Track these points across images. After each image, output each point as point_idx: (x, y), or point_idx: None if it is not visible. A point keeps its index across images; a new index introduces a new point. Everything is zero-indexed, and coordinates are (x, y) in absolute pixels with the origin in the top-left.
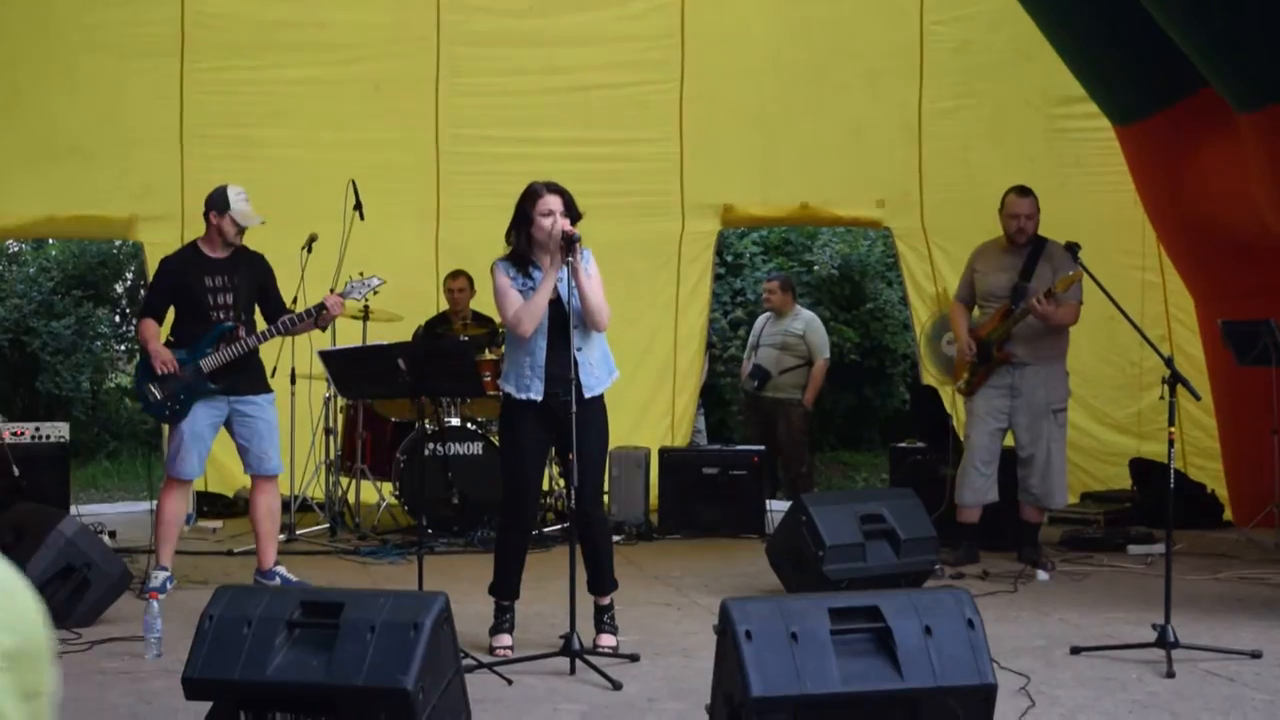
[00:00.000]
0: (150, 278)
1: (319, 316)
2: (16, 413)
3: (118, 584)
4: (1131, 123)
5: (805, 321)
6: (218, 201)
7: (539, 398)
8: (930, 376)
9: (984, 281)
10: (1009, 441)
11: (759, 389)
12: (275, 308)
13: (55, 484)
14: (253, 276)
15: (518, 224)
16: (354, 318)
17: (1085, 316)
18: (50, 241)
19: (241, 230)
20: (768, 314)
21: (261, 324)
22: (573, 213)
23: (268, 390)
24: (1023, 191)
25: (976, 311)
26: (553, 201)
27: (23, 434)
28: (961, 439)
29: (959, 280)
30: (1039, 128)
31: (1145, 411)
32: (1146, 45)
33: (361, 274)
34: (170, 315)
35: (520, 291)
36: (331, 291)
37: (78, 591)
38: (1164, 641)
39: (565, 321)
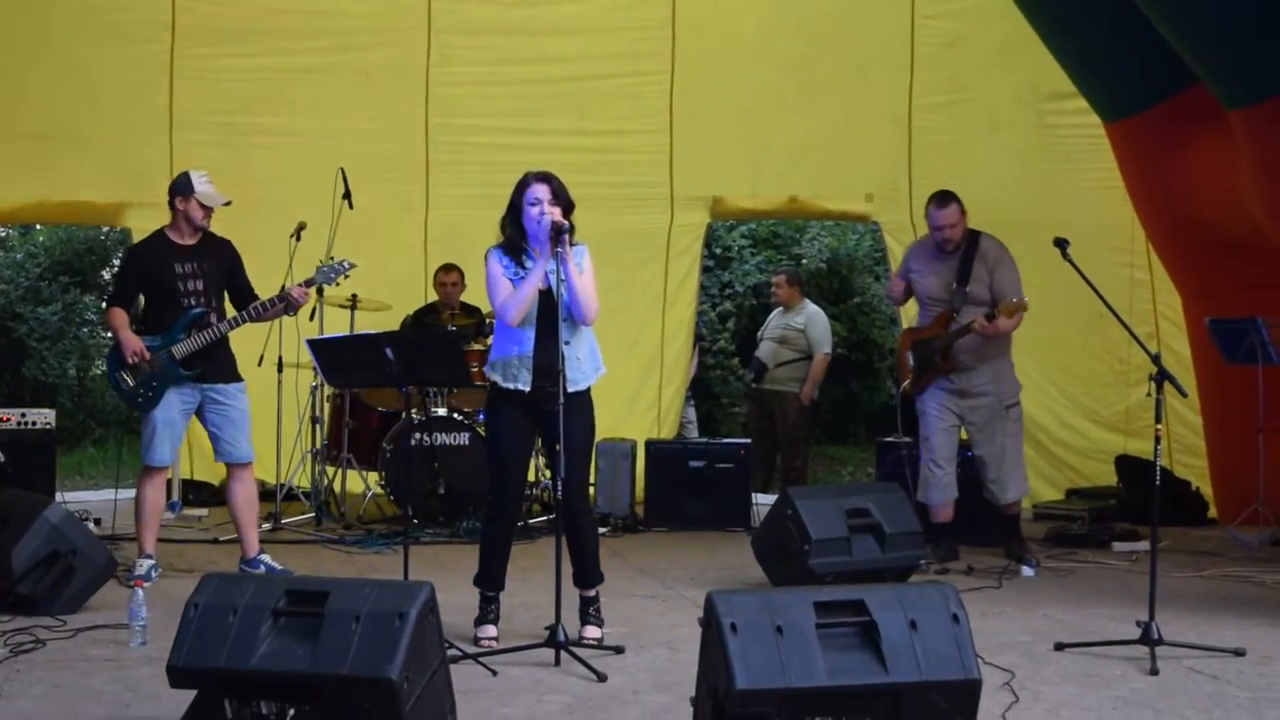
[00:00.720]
0: None
1: (288, 304)
2: (2, 399)
3: (103, 571)
4: (1121, 119)
5: (807, 316)
6: (182, 187)
7: (526, 388)
8: None
9: (920, 284)
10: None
11: (756, 381)
12: (243, 293)
13: (41, 470)
14: (221, 262)
15: (511, 213)
16: (341, 306)
17: (1075, 313)
18: (38, 227)
19: (208, 212)
20: (779, 307)
21: (231, 310)
22: (563, 202)
23: (239, 379)
24: (942, 201)
25: (914, 306)
26: (540, 190)
27: (8, 420)
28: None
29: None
30: (1029, 123)
31: (1133, 409)
32: (1139, 40)
33: (333, 257)
34: (140, 303)
35: (512, 280)
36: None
37: (63, 578)
38: (1148, 638)
39: (555, 313)
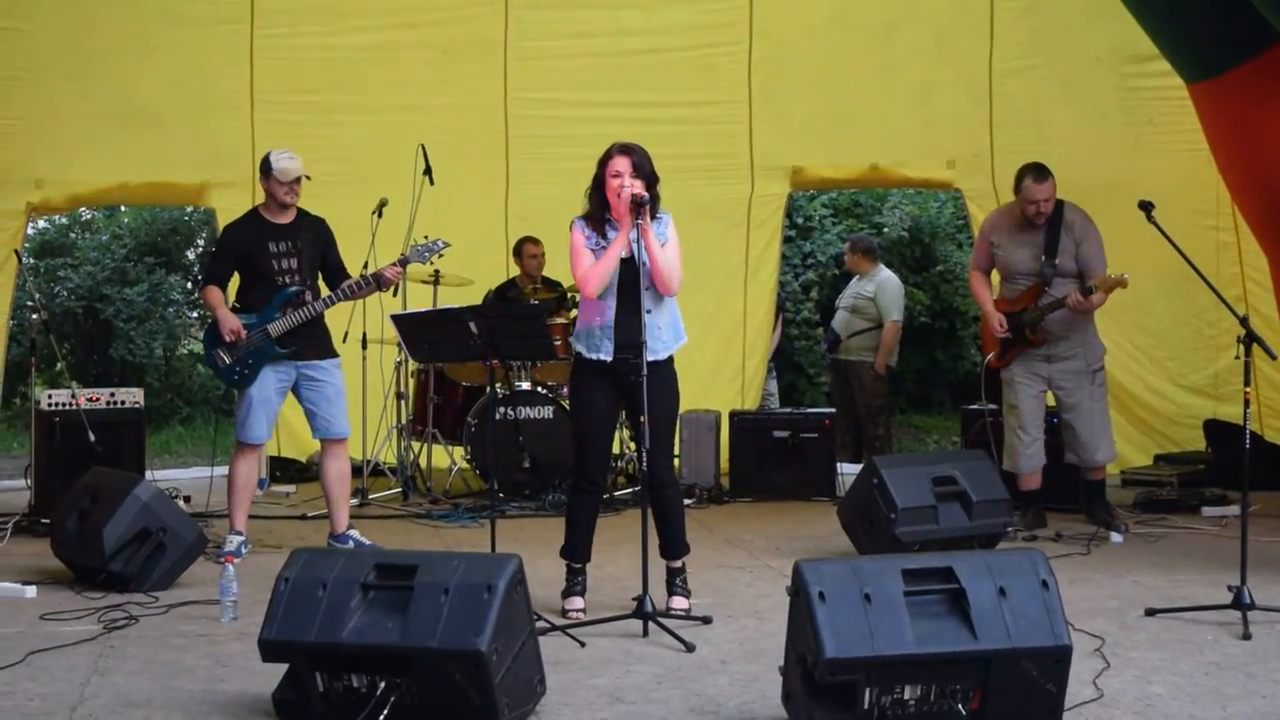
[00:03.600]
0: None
1: (380, 282)
2: (91, 379)
3: (193, 548)
4: (1204, 80)
5: (878, 283)
6: (263, 166)
7: (608, 359)
8: None
9: (1005, 258)
10: (1050, 401)
11: (831, 351)
12: (337, 272)
13: (130, 450)
14: (315, 240)
15: (595, 185)
16: (424, 282)
17: (1160, 277)
18: (122, 209)
19: (289, 187)
20: (857, 276)
21: (325, 289)
22: (645, 174)
23: (334, 355)
24: (1040, 175)
25: (1000, 281)
26: (620, 163)
27: (98, 400)
28: (1007, 407)
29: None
30: (1111, 86)
31: (1221, 373)
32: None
33: (426, 237)
34: (234, 282)
35: (594, 251)
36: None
37: (154, 555)
38: (1240, 603)
39: (636, 283)
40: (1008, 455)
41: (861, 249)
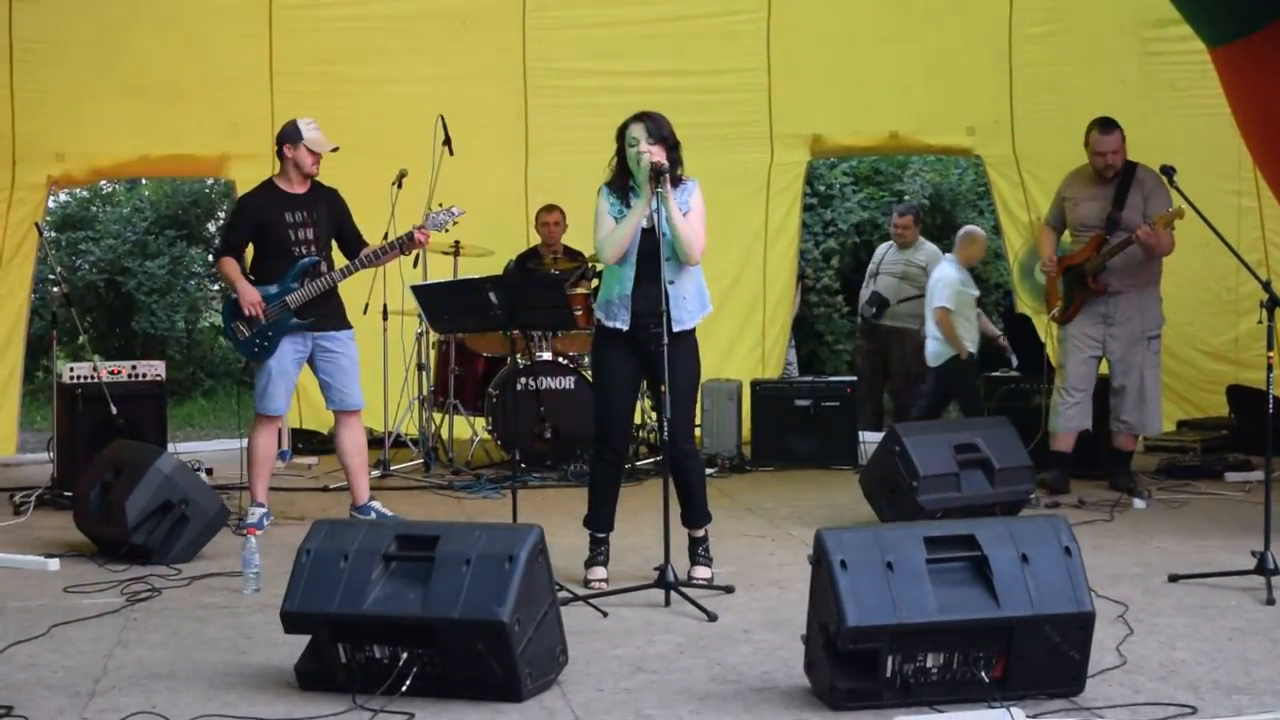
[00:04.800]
0: None
1: (405, 247)
2: (113, 352)
3: (215, 520)
4: (1226, 43)
5: (928, 255)
6: (290, 134)
7: (625, 327)
8: (1024, 305)
9: (1075, 211)
10: (1103, 369)
11: (876, 316)
12: (353, 242)
13: (152, 422)
14: (331, 210)
15: (617, 154)
16: (444, 253)
17: (1181, 242)
18: (143, 181)
19: (317, 159)
20: (889, 244)
21: (340, 259)
22: (664, 140)
23: (349, 326)
24: (1106, 127)
25: (1068, 237)
26: (636, 130)
27: (119, 373)
28: (1055, 366)
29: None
30: (1132, 51)
31: (1243, 338)
32: None
33: (441, 204)
34: (250, 252)
35: (615, 219)
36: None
37: (177, 527)
38: (1264, 568)
39: (657, 252)
40: (1050, 412)
41: (918, 219)
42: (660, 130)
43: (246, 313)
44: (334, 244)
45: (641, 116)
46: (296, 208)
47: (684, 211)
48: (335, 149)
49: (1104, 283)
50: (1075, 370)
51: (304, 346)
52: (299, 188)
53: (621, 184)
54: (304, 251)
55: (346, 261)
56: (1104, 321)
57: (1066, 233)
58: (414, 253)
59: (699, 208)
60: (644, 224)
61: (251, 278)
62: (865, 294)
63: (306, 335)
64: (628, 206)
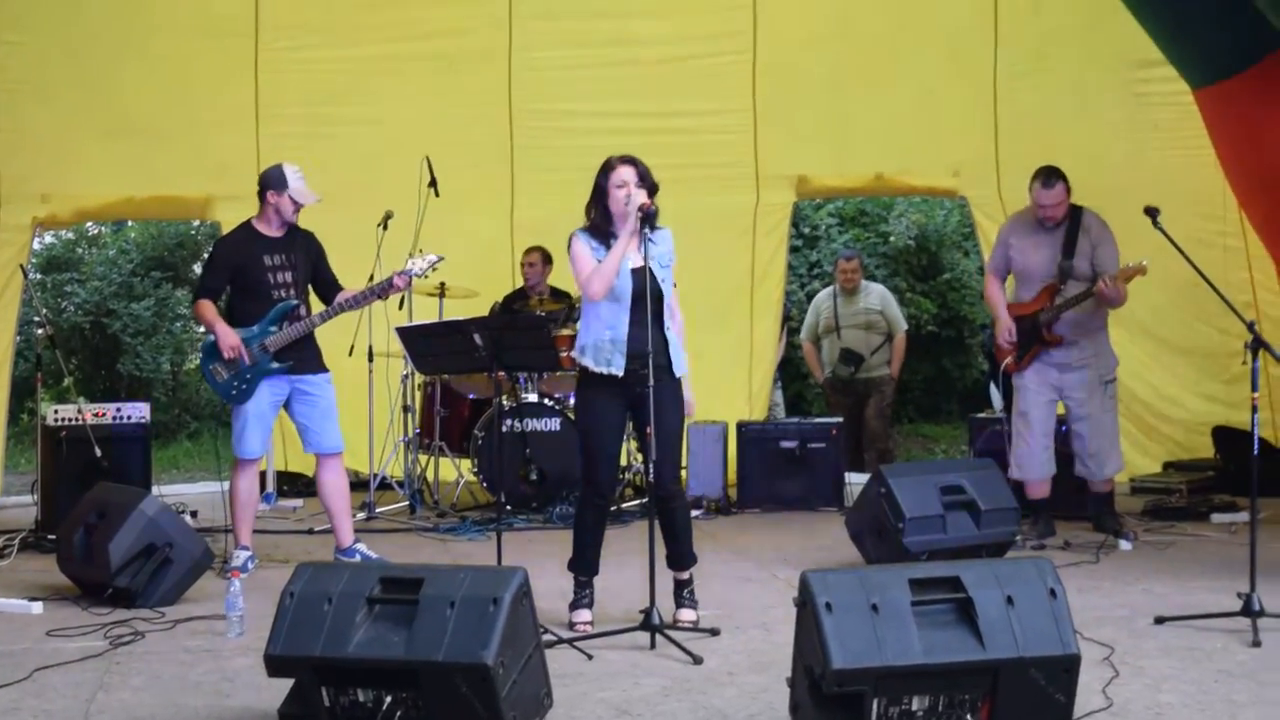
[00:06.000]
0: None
1: (384, 293)
2: (98, 394)
3: (200, 563)
4: (1209, 84)
5: (880, 296)
6: (275, 180)
7: (620, 373)
8: None
9: (1022, 259)
10: (1060, 410)
11: (856, 374)
12: (329, 285)
13: (137, 464)
14: (308, 254)
15: (595, 198)
16: (429, 295)
17: (1169, 282)
18: (129, 224)
19: (298, 208)
20: (832, 293)
21: (317, 303)
22: (649, 184)
23: (326, 369)
24: (1048, 180)
25: (1013, 283)
26: (625, 173)
27: (104, 415)
28: (1016, 412)
29: (990, 252)
30: (1117, 92)
31: (1231, 379)
32: (1226, 4)
33: (421, 250)
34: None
35: (599, 261)
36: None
37: (160, 570)
38: (1250, 610)
39: (645, 294)
40: (1014, 462)
41: (861, 263)
42: (647, 175)
43: (225, 355)
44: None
45: (629, 159)
46: (275, 251)
47: (669, 263)
48: (319, 200)
49: (1059, 334)
50: (1038, 415)
51: (282, 390)
52: (277, 231)
53: (602, 229)
54: (283, 295)
55: (322, 306)
56: (1058, 369)
57: (1014, 280)
58: (392, 297)
59: (680, 320)
60: (633, 264)
61: (231, 320)
62: (827, 350)
63: (285, 378)
64: (607, 250)
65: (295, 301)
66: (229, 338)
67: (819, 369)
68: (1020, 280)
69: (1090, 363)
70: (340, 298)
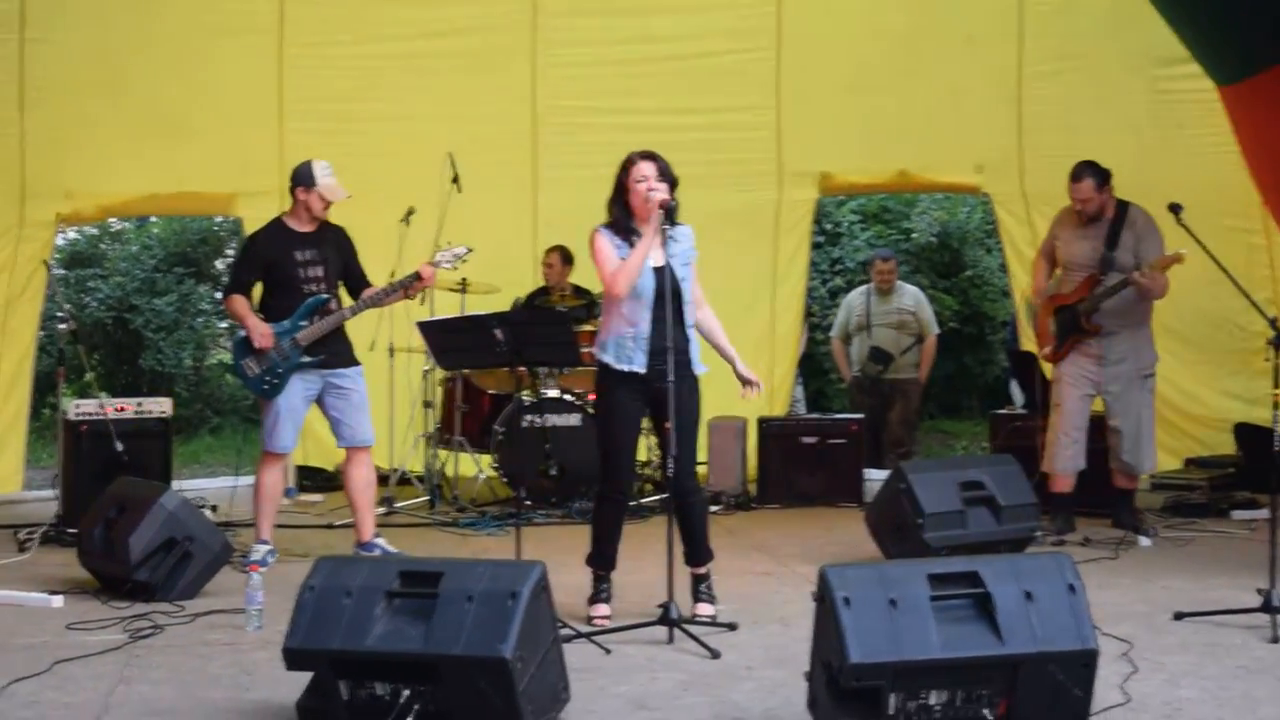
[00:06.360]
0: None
1: (410, 286)
2: (121, 390)
3: (219, 557)
4: (1234, 82)
5: (914, 297)
6: (304, 177)
7: (642, 370)
8: (1029, 342)
9: (1066, 250)
10: (1097, 406)
11: (884, 372)
12: (359, 280)
13: (158, 459)
14: (339, 249)
15: (616, 195)
16: (451, 289)
17: (1191, 279)
18: (152, 219)
19: (328, 205)
20: (866, 292)
21: (347, 298)
22: (668, 178)
23: (357, 363)
24: (1076, 175)
25: (1059, 273)
26: (645, 168)
27: (125, 410)
28: (1051, 406)
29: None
30: (1140, 89)
31: (1254, 375)
32: (1250, 1)
33: (449, 243)
34: (258, 291)
35: (622, 259)
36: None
37: (180, 565)
38: (1269, 606)
39: (664, 292)
40: (1046, 453)
41: (897, 264)
42: (667, 170)
43: (257, 345)
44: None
45: (649, 155)
46: (306, 246)
47: (689, 260)
48: (348, 197)
49: (1098, 323)
50: (1071, 409)
51: (314, 384)
52: (308, 226)
53: (623, 225)
54: (313, 289)
55: (352, 301)
56: (1098, 361)
57: (1059, 269)
58: (419, 293)
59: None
60: (655, 262)
61: (262, 316)
62: (857, 348)
63: (317, 373)
64: (630, 246)
65: (326, 296)
66: (260, 327)
67: (847, 367)
68: (1065, 271)
69: (1129, 356)
70: (367, 293)
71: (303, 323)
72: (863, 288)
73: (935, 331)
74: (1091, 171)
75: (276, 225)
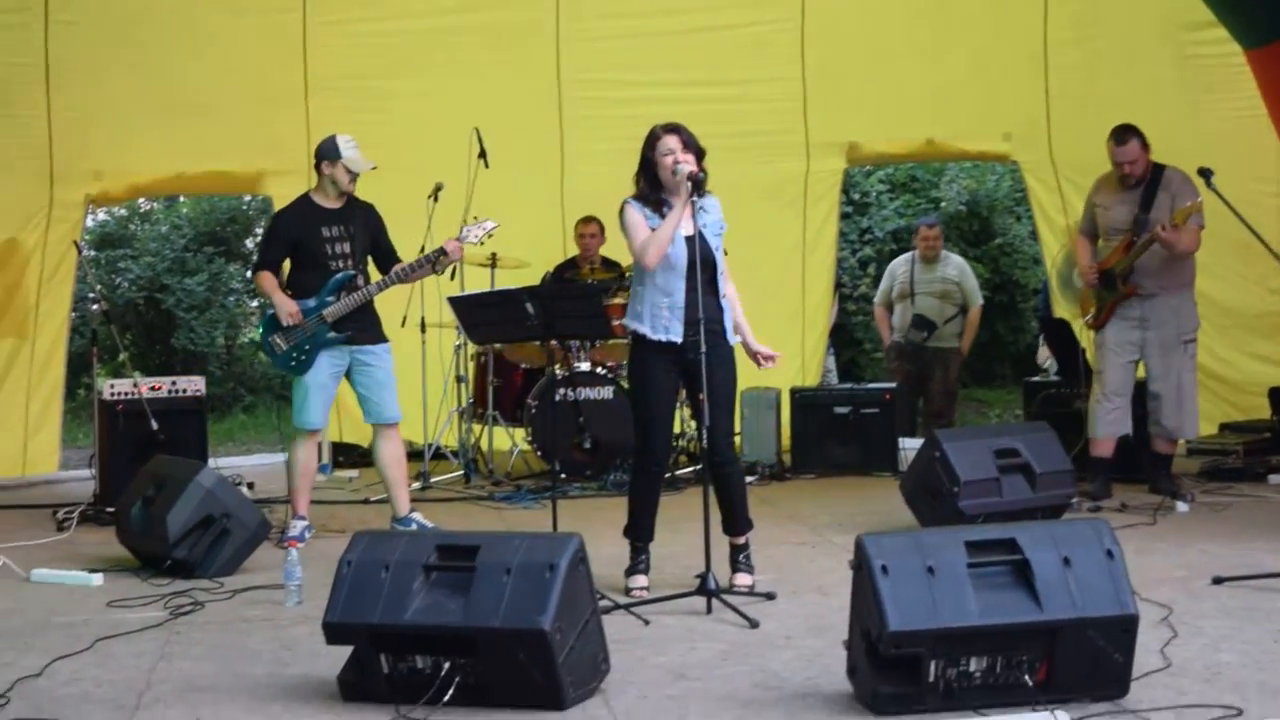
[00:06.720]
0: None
1: (437, 261)
2: (153, 369)
3: (257, 534)
4: (1263, 45)
5: (958, 267)
6: (329, 151)
7: (679, 339)
8: (1062, 309)
9: (1105, 215)
10: (1140, 372)
11: (927, 340)
12: (388, 256)
13: (193, 437)
14: (367, 225)
15: (644, 167)
16: (481, 265)
17: (1221, 244)
18: (181, 199)
19: (354, 178)
20: (910, 259)
21: (376, 274)
22: (695, 150)
23: (385, 340)
24: (1121, 137)
25: (1101, 243)
26: (670, 141)
27: (160, 389)
28: (1094, 372)
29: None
30: (1168, 54)
31: None
32: None
33: (476, 217)
34: (286, 267)
35: (653, 229)
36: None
37: (218, 541)
38: None
39: (696, 261)
40: (1089, 418)
41: (940, 230)
42: (691, 140)
43: (285, 322)
44: (369, 259)
45: (672, 127)
46: (333, 222)
47: (720, 230)
48: (373, 168)
49: (1135, 284)
50: (1113, 375)
51: (342, 360)
52: (335, 203)
53: (652, 197)
54: (340, 266)
55: (380, 276)
56: (1140, 326)
57: (1101, 239)
58: (448, 268)
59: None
60: (686, 231)
61: (289, 292)
62: (899, 315)
63: (344, 349)
64: (660, 218)
65: (353, 272)
66: (287, 304)
67: (888, 333)
68: (1105, 238)
69: (1169, 320)
70: (395, 269)
71: (329, 299)
72: (906, 255)
73: (979, 302)
74: (1136, 132)
75: (303, 201)
